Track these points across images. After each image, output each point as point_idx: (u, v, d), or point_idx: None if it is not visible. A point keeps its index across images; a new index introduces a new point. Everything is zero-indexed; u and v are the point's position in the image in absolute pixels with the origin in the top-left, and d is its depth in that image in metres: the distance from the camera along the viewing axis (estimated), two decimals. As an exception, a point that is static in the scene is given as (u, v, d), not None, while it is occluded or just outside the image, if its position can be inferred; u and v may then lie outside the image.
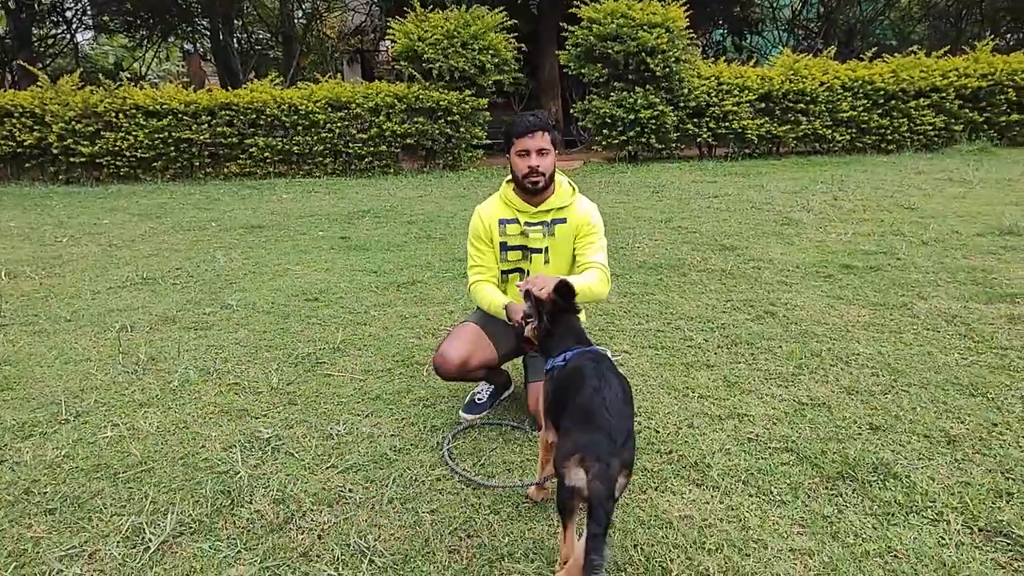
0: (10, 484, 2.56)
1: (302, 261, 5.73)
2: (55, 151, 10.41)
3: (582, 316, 3.12)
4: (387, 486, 2.47)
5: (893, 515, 2.24)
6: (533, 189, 2.83)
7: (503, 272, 3.03)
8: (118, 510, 2.40)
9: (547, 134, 2.79)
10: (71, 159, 10.54)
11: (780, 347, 3.65)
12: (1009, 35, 17.34)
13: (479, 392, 3.14)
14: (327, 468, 2.63)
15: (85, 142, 10.39)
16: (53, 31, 16.58)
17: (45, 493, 2.50)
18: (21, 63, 12.04)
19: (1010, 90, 11.27)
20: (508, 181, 2.96)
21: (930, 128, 11.36)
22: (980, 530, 2.16)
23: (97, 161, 10.61)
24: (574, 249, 2.94)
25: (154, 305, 4.67)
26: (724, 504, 2.33)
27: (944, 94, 11.23)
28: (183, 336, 4.08)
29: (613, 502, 1.72)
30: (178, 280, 5.26)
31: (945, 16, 18.08)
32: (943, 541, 2.11)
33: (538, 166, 2.77)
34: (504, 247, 2.96)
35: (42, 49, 16.07)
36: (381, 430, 2.92)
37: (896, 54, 11.73)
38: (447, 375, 2.93)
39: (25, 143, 10.40)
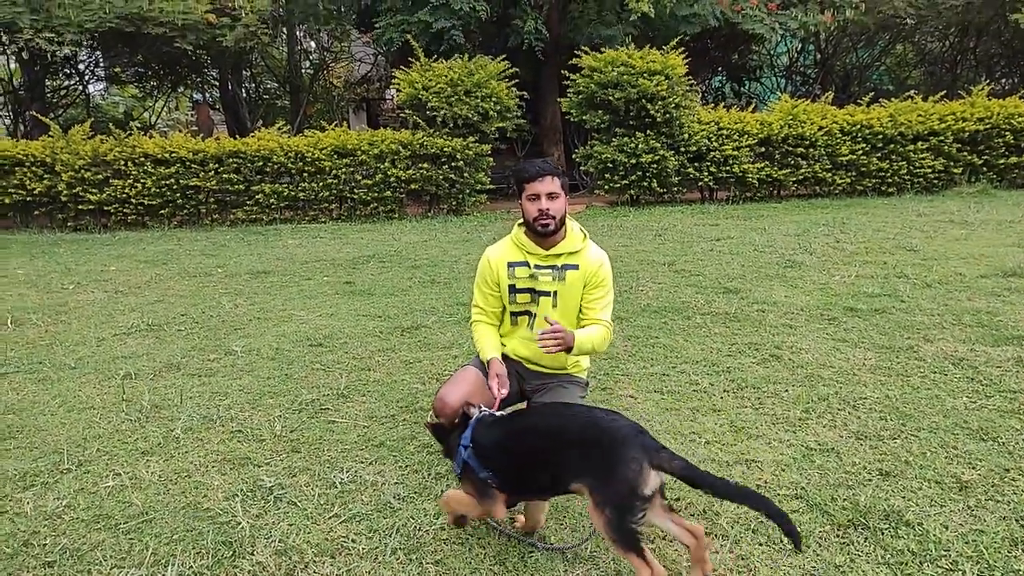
0: (9, 536, 2.53)
1: (307, 306, 5.75)
2: (64, 199, 10.55)
3: (585, 361, 3.13)
4: (391, 536, 2.44)
5: (906, 564, 2.20)
6: (544, 232, 2.88)
7: (512, 314, 3.05)
8: (118, 562, 2.36)
9: (556, 179, 2.86)
10: (79, 206, 10.66)
11: (787, 391, 3.63)
12: (1004, 79, 17.61)
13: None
14: (330, 517, 2.60)
15: (94, 190, 10.53)
16: (66, 83, 16.95)
17: (45, 545, 2.47)
18: (33, 114, 12.28)
19: (1007, 133, 11.39)
20: (520, 224, 3.01)
21: (930, 171, 11.45)
22: (996, 580, 2.12)
23: (105, 208, 10.73)
24: (582, 297, 2.98)
25: (159, 352, 4.67)
26: (734, 554, 2.29)
27: (942, 137, 11.34)
28: (187, 383, 4.07)
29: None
30: (183, 326, 5.27)
31: (940, 62, 18.38)
32: (959, 591, 2.07)
33: (548, 209, 2.83)
34: (512, 289, 2.99)
35: (54, 100, 16.40)
36: (385, 478, 2.89)
37: (893, 99, 11.89)
38: (447, 419, 2.91)
39: (35, 191, 10.54)
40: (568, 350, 2.74)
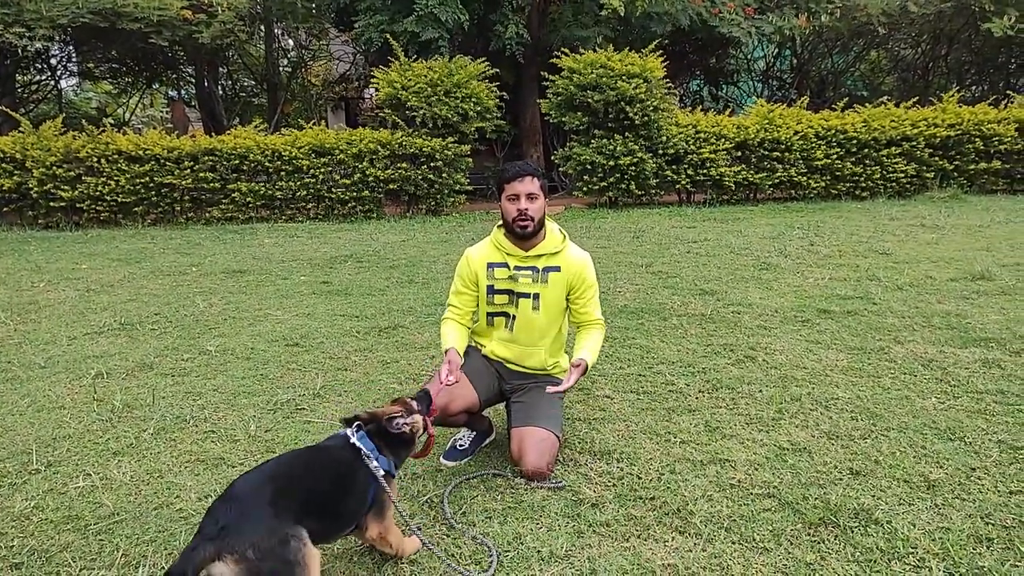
0: (-25, 537, 2.48)
1: (283, 306, 5.70)
2: (35, 195, 10.35)
3: (564, 362, 3.15)
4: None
5: (875, 562, 2.23)
6: (522, 233, 2.90)
7: (489, 315, 3.07)
8: (87, 564, 2.33)
9: (536, 180, 2.89)
10: (51, 203, 10.46)
11: (760, 392, 3.67)
12: (974, 87, 17.97)
13: (461, 438, 3.12)
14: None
15: (65, 187, 10.34)
16: (37, 77, 16.64)
17: (12, 547, 2.42)
18: (3, 109, 12.04)
19: (977, 139, 11.64)
20: (499, 226, 3.03)
21: (902, 175, 11.65)
22: (962, 576, 2.16)
23: (77, 206, 10.55)
24: (567, 300, 3.00)
25: (131, 351, 4.61)
26: (707, 552, 2.31)
27: (915, 143, 11.56)
28: (160, 383, 4.02)
29: None
30: (156, 326, 5.20)
31: (913, 68, 18.71)
32: (926, 588, 2.11)
33: (527, 210, 2.85)
34: (491, 290, 3.00)
35: (25, 95, 16.09)
36: (361, 478, 2.87)
37: (867, 104, 12.09)
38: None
39: (4, 188, 10.34)
40: (585, 371, 2.87)
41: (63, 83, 18.11)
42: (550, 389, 2.83)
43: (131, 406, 3.67)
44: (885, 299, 5.34)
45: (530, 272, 2.96)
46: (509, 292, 3.00)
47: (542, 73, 11.70)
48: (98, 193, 10.43)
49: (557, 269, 2.96)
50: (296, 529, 1.81)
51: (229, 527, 1.72)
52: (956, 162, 11.77)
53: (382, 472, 2.15)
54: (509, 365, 3.11)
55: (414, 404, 2.45)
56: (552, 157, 12.31)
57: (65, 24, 11.54)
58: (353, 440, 2.17)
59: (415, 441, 2.44)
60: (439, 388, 2.65)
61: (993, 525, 2.41)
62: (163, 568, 2.26)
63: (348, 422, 2.26)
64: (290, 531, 1.79)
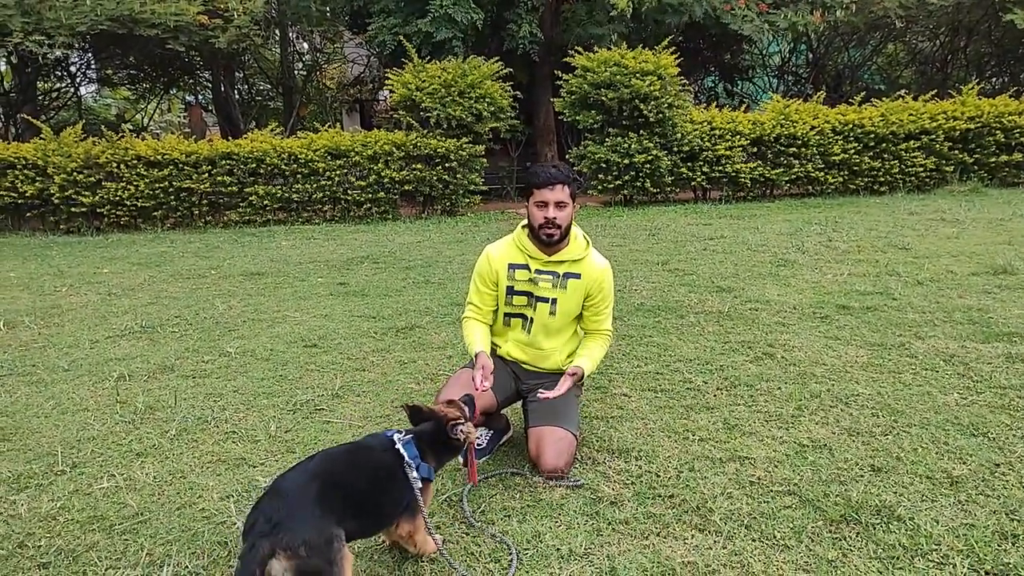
0: (4, 537, 2.52)
1: (301, 308, 5.74)
2: (56, 201, 10.51)
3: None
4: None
5: (898, 559, 2.22)
6: (548, 241, 2.87)
7: (506, 315, 3.06)
8: (113, 563, 2.36)
9: (567, 187, 2.82)
10: (72, 209, 10.61)
11: (779, 388, 3.65)
12: (994, 79, 17.72)
13: (479, 437, 3.12)
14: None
15: (86, 192, 10.48)
16: (57, 85, 16.88)
17: (39, 547, 2.46)
18: (25, 116, 12.23)
19: (998, 132, 11.47)
20: (524, 227, 2.99)
21: (921, 169, 11.52)
22: (987, 573, 2.14)
23: (98, 211, 10.68)
24: (583, 307, 2.99)
25: (152, 354, 4.67)
26: (727, 549, 2.31)
27: (934, 136, 11.42)
28: (181, 384, 4.07)
29: None
30: (177, 328, 5.26)
31: (931, 61, 18.47)
32: (950, 585, 2.09)
33: (555, 218, 2.82)
34: (510, 291, 2.99)
35: (46, 102, 16.33)
36: (380, 478, 2.89)
37: (884, 98, 11.96)
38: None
39: (27, 194, 10.50)
40: (580, 379, 2.90)
41: (83, 90, 18.36)
42: (541, 395, 2.80)
43: (153, 408, 3.71)
44: (905, 294, 5.28)
45: (551, 277, 2.94)
46: (528, 294, 2.99)
47: (556, 72, 11.69)
48: (118, 198, 10.56)
49: (577, 276, 2.94)
50: (338, 530, 1.86)
51: (282, 524, 1.76)
52: (976, 155, 11.62)
53: (420, 483, 2.16)
54: (525, 366, 3.11)
55: (467, 411, 2.44)
56: (567, 156, 12.29)
57: (84, 31, 11.69)
58: (398, 447, 2.18)
59: (463, 448, 2.45)
60: (476, 394, 2.66)
61: (1019, 521, 2.38)
62: (187, 567, 2.29)
63: (411, 412, 2.27)
64: (334, 531, 1.84)
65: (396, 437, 2.21)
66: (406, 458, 2.16)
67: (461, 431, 2.32)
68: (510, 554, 2.31)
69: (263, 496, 1.91)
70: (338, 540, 1.83)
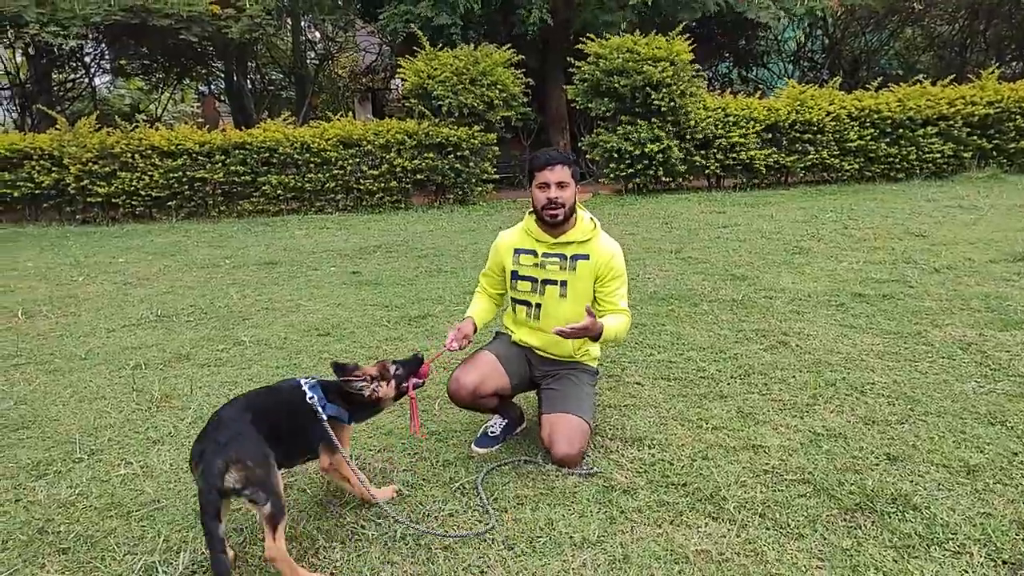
0: (24, 523, 2.56)
1: (314, 296, 5.77)
2: (72, 191, 10.60)
3: (595, 350, 3.14)
4: (400, 522, 2.46)
5: (914, 548, 2.20)
6: (552, 221, 2.90)
7: (513, 300, 3.10)
8: (131, 549, 2.39)
9: (567, 168, 2.88)
10: (88, 199, 10.71)
11: (794, 377, 3.62)
12: (1015, 63, 17.41)
13: (492, 426, 3.13)
14: (340, 504, 2.62)
15: (101, 182, 10.56)
16: (72, 76, 16.98)
17: (59, 532, 2.50)
18: (40, 107, 12.31)
19: (1018, 117, 11.28)
20: (531, 213, 3.04)
21: (939, 156, 11.35)
22: (1004, 563, 2.12)
23: (113, 201, 10.77)
24: (595, 289, 2.97)
25: (168, 342, 4.71)
26: (741, 538, 2.30)
27: (952, 122, 11.24)
28: (196, 373, 4.10)
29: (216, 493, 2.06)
30: (192, 317, 5.30)
31: (950, 45, 18.17)
32: (966, 574, 2.07)
33: (557, 198, 2.85)
34: (515, 276, 3.03)
35: (61, 93, 16.44)
36: (393, 465, 2.91)
37: (902, 83, 11.78)
38: (460, 401, 2.96)
39: (43, 184, 10.59)
40: (596, 338, 2.78)
41: (97, 80, 18.46)
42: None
43: (169, 396, 3.75)
44: (922, 282, 5.23)
45: (558, 259, 2.95)
46: (533, 280, 3.00)
47: (568, 59, 11.61)
48: (133, 188, 10.64)
49: (586, 257, 2.94)
50: (270, 450, 2.21)
51: (230, 444, 2.11)
52: (995, 141, 11.43)
53: (326, 416, 2.40)
54: (538, 352, 3.11)
55: (391, 370, 2.62)
56: (579, 144, 12.22)
57: (98, 22, 11.75)
58: (304, 388, 2.43)
59: (379, 404, 2.61)
60: (440, 352, 2.90)
61: (1036, 511, 2.35)
62: (203, 553, 2.32)
63: (335, 368, 2.52)
64: (267, 450, 2.20)
65: (302, 381, 2.47)
66: (310, 396, 2.41)
67: (354, 385, 2.50)
68: (488, 522, 2.44)
69: (207, 426, 2.22)
70: (272, 458, 2.19)
